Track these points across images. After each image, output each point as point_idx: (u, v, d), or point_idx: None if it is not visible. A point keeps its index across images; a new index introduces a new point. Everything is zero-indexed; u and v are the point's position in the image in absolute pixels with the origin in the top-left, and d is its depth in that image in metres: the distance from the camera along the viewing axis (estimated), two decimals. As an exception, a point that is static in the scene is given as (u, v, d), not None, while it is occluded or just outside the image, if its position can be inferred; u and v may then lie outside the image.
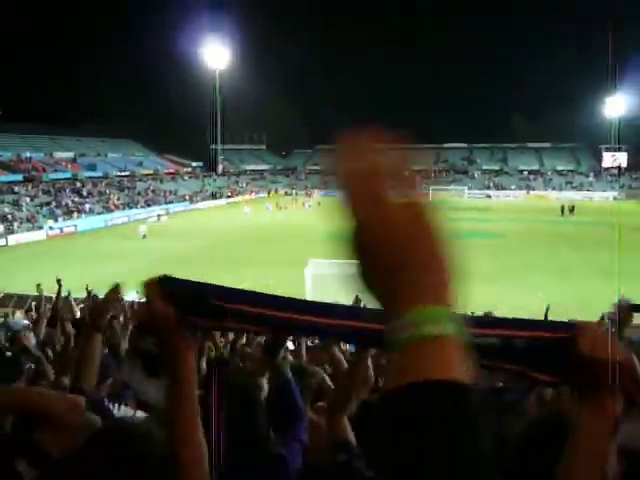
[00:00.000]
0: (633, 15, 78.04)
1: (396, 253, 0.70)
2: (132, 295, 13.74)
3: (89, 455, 1.73)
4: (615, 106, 79.50)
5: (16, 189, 62.64)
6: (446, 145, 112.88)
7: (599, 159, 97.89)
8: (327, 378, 4.60)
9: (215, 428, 1.96)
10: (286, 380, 3.33)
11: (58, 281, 10.95)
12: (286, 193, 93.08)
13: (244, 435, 2.36)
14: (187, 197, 78.65)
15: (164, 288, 1.40)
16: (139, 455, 1.72)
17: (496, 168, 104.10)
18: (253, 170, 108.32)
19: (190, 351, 1.43)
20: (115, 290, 2.92)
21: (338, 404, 2.96)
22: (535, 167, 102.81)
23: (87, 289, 14.18)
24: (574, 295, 23.69)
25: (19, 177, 66.49)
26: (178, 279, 1.47)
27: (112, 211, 63.29)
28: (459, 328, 0.68)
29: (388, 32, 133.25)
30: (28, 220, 53.44)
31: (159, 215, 61.83)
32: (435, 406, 0.62)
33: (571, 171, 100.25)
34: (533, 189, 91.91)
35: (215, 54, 63.36)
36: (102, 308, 2.88)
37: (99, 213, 61.50)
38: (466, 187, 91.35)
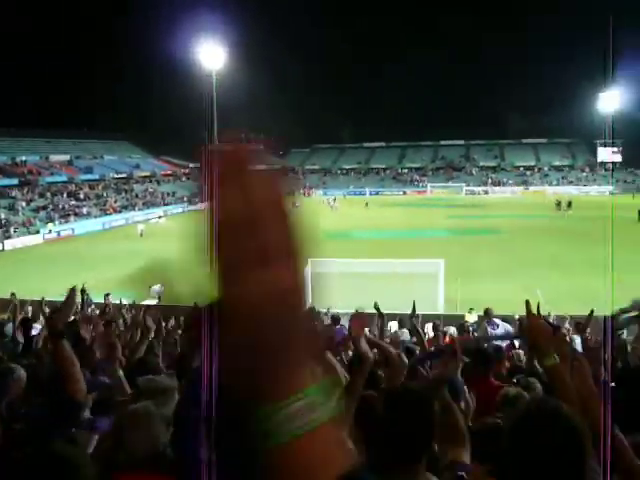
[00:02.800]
0: (629, 10, 78.06)
1: (259, 333, 0.61)
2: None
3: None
4: (609, 101, 79.45)
5: (12, 193, 62.51)
6: (443, 142, 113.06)
7: (594, 154, 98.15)
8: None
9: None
10: None
11: (82, 291, 10.96)
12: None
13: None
14: (185, 198, 78.45)
15: None
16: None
17: (493, 164, 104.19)
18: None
19: None
20: (71, 295, 2.89)
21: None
22: (532, 163, 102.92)
23: (81, 291, 14.16)
24: (571, 289, 23.75)
25: (15, 181, 66.34)
26: None
27: (110, 214, 63.22)
28: (334, 401, 0.62)
29: (383, 30, 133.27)
30: (24, 224, 53.35)
31: (159, 216, 61.70)
32: None
33: (567, 166, 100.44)
34: (530, 185, 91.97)
35: (211, 55, 63.12)
36: (58, 315, 2.84)
37: (97, 216, 61.41)
38: (464, 184, 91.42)
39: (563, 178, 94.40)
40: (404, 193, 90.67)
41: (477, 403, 4.40)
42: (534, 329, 2.60)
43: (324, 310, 22.23)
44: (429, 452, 2.32)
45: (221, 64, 64.83)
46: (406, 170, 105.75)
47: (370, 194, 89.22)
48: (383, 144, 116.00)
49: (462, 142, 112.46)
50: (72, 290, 2.93)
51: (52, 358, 3.01)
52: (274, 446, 0.60)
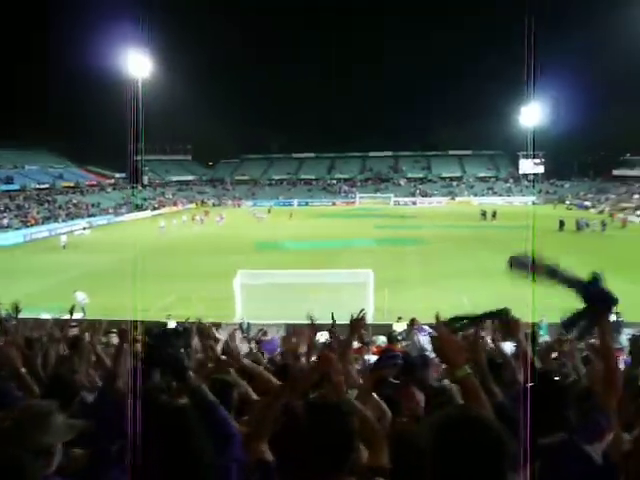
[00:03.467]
0: (549, 26, 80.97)
1: None
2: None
3: None
4: (531, 114, 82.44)
5: None
6: (372, 154, 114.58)
7: (517, 166, 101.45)
8: (250, 389, 4.54)
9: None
10: (210, 402, 3.25)
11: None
12: (213, 204, 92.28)
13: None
14: (111, 210, 76.77)
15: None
16: None
17: (420, 176, 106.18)
18: (179, 181, 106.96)
19: None
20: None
21: (259, 432, 2.90)
22: (457, 174, 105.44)
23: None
24: (497, 296, 24.28)
25: None
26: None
27: (31, 225, 61.15)
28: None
29: (311, 43, 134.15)
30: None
31: (84, 228, 60.20)
32: None
33: (492, 177, 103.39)
34: (456, 195, 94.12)
35: (136, 64, 62.22)
36: None
37: (17, 228, 59.29)
38: (392, 194, 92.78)
39: (488, 189, 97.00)
40: (333, 204, 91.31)
41: (404, 409, 4.41)
42: (442, 343, 2.59)
43: (253, 322, 22.16)
44: (351, 460, 2.30)
45: (146, 73, 64.01)
46: (335, 181, 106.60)
47: (299, 205, 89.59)
48: (312, 155, 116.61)
49: (390, 153, 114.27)
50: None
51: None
52: None
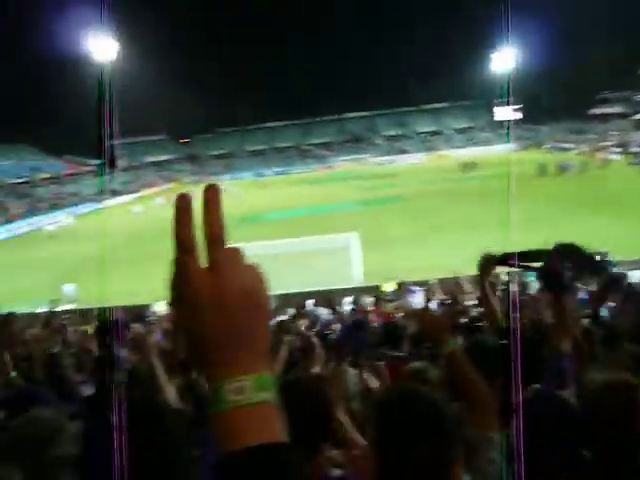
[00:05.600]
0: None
1: (226, 320, 0.75)
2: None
3: None
4: (504, 60, 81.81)
5: None
6: (347, 115, 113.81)
7: (493, 114, 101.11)
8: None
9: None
10: (204, 394, 3.27)
11: None
12: (192, 182, 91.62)
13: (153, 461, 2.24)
14: (92, 197, 76.17)
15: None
16: None
17: (398, 133, 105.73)
18: (155, 162, 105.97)
19: None
20: (7, 322, 2.73)
21: None
22: (434, 128, 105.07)
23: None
24: (480, 248, 24.40)
25: None
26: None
27: (13, 221, 60.59)
28: (275, 393, 0.77)
29: (279, 8, 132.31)
30: None
31: (67, 218, 59.66)
32: (280, 465, 0.72)
33: (469, 128, 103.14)
34: (435, 150, 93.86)
35: (101, 46, 61.09)
36: None
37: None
38: (368, 155, 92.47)
39: (467, 140, 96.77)
40: (312, 170, 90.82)
41: (391, 378, 4.47)
42: (425, 323, 2.59)
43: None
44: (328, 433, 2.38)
45: (112, 54, 62.90)
46: (311, 147, 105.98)
47: (277, 174, 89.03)
48: (287, 122, 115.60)
49: (366, 114, 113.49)
50: (7, 316, 2.76)
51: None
52: (215, 412, 0.75)
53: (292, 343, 5.13)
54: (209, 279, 0.73)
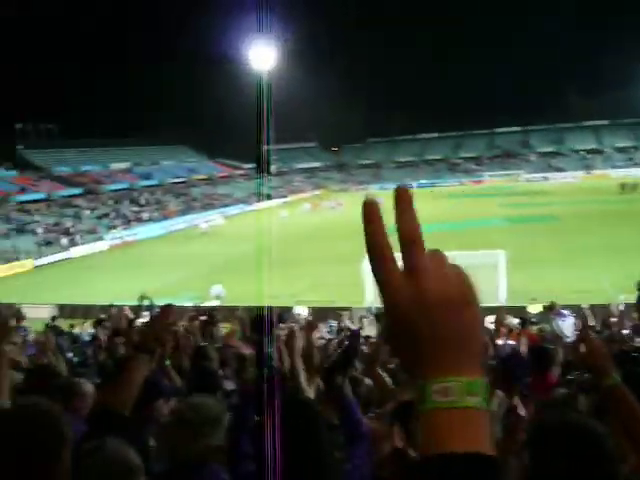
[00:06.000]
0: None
1: (437, 321, 0.74)
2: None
3: None
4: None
5: (76, 202, 64.46)
6: (498, 130, 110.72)
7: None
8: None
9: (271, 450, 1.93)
10: (349, 401, 3.26)
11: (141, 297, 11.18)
12: (339, 190, 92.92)
13: (307, 458, 2.21)
14: (242, 199, 79.26)
15: None
16: None
17: (552, 150, 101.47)
18: (305, 168, 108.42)
19: None
20: (167, 311, 2.77)
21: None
22: (593, 146, 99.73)
23: (141, 297, 14.31)
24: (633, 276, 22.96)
25: (79, 190, 68.46)
26: None
27: (170, 218, 64.31)
28: (487, 400, 0.73)
29: (442, 22, 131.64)
30: (89, 232, 54.79)
31: (218, 218, 62.28)
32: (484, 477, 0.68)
33: (632, 147, 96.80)
34: (592, 169, 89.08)
35: (261, 54, 63.38)
36: (156, 332, 2.70)
37: (157, 221, 62.59)
38: (522, 171, 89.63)
39: (629, 160, 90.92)
40: (460, 183, 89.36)
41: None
42: (590, 350, 2.39)
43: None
44: None
45: (272, 63, 65.05)
46: (461, 160, 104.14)
47: (423, 186, 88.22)
48: (436, 135, 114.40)
49: (518, 129, 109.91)
50: (167, 306, 2.83)
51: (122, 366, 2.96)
52: (420, 412, 0.73)
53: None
54: (410, 281, 0.73)
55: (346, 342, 9.46)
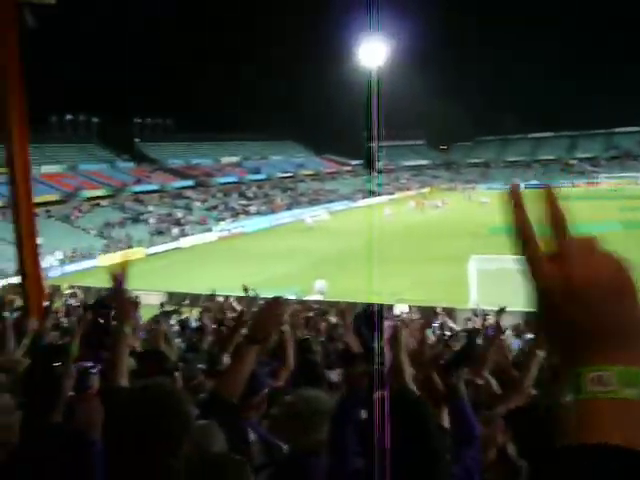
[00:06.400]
0: None
1: (589, 308, 0.72)
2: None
3: None
4: None
5: (187, 194, 66.74)
6: (617, 130, 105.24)
7: None
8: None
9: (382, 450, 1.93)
10: (464, 402, 3.20)
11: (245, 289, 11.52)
12: (448, 188, 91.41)
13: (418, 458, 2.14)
14: (348, 195, 79.50)
15: None
16: None
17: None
18: (413, 166, 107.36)
19: None
20: (276, 304, 2.79)
21: None
22: None
23: (245, 288, 14.61)
24: None
25: (190, 182, 70.86)
26: None
27: (276, 212, 65.40)
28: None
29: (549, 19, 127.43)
30: (199, 223, 56.59)
31: (323, 213, 62.72)
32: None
33: None
34: None
35: (371, 51, 63.23)
36: (265, 323, 2.74)
37: (264, 214, 63.82)
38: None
39: None
40: (573, 185, 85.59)
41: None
42: None
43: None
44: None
45: (382, 60, 64.77)
46: (575, 161, 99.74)
47: (530, 187, 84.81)
48: (550, 134, 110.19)
49: (639, 128, 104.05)
50: (276, 299, 2.87)
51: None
52: (572, 400, 0.70)
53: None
54: (556, 267, 0.72)
55: (463, 341, 9.35)
